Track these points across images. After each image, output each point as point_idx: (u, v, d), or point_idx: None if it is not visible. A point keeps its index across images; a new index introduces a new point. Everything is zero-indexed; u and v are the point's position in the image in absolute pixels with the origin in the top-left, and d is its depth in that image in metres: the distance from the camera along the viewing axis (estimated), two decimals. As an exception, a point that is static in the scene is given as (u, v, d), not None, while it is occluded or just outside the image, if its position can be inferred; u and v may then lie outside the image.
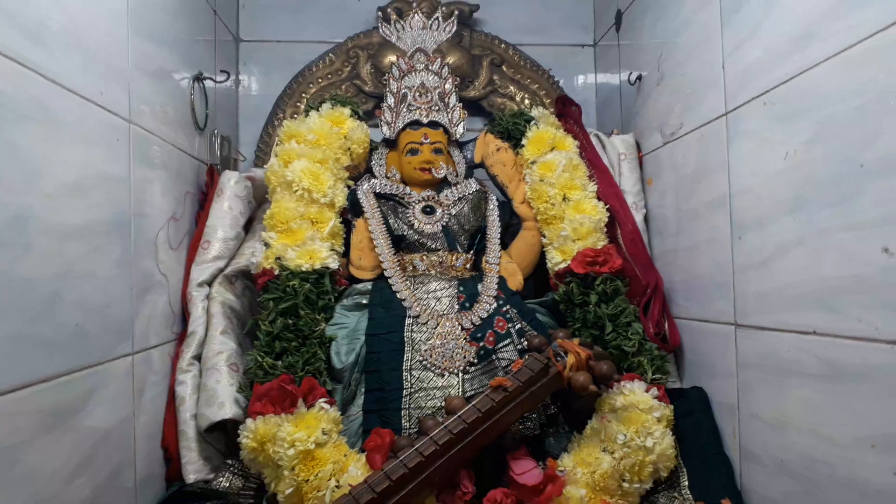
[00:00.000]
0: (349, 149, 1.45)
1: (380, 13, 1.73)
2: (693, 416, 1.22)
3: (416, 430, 1.17)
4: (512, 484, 1.11)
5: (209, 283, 1.34)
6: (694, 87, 1.29)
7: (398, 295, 1.32)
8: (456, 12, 1.60)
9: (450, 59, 1.73)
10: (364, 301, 1.33)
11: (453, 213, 1.43)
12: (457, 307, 1.31)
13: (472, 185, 1.49)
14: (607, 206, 1.42)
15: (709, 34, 1.21)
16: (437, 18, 1.53)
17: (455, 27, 1.54)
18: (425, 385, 1.22)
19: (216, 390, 1.20)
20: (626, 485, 1.13)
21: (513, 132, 1.52)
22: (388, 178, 1.48)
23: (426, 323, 1.28)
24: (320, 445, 1.10)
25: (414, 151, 1.46)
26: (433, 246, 1.38)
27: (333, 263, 1.31)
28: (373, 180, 1.47)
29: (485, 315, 1.30)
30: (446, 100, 1.50)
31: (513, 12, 1.86)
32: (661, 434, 1.16)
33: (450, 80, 1.52)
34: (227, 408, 1.18)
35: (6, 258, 0.77)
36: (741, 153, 1.12)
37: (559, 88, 1.82)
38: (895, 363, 0.78)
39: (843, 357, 0.87)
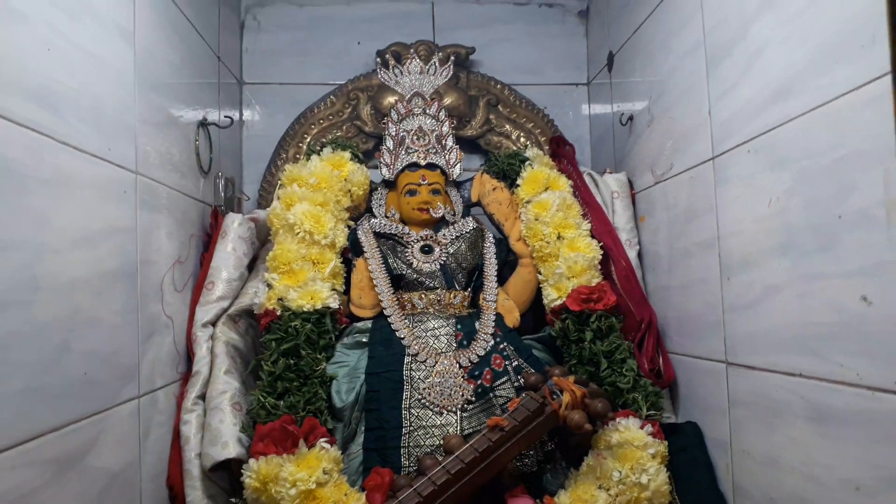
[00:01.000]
0: (349, 190, 1.49)
1: (378, 59, 1.78)
2: (688, 452, 1.24)
3: (414, 468, 1.20)
4: (509, 522, 1.13)
5: (213, 324, 1.37)
6: (683, 130, 1.33)
7: (397, 333, 1.35)
8: (452, 56, 1.65)
9: (447, 101, 1.77)
10: (364, 339, 1.36)
11: (451, 251, 1.46)
12: (455, 345, 1.34)
13: (470, 224, 1.53)
14: (601, 244, 1.46)
15: (695, 81, 1.25)
16: (434, 63, 1.58)
17: (451, 71, 1.59)
18: (424, 423, 1.25)
19: (220, 430, 1.23)
20: (622, 528, 1.15)
21: (508, 172, 1.56)
22: (387, 217, 1.52)
23: (425, 361, 1.31)
24: (321, 485, 1.12)
25: (412, 192, 1.50)
26: (431, 284, 1.41)
27: (334, 303, 1.34)
28: (372, 220, 1.51)
29: (482, 353, 1.33)
30: (443, 142, 1.55)
31: (508, 54, 1.92)
32: (655, 470, 1.18)
33: (447, 123, 1.56)
34: (230, 447, 1.20)
35: (17, 314, 0.80)
36: (728, 197, 1.16)
37: (554, 126, 1.87)
38: (877, 409, 0.81)
39: (829, 400, 0.89)
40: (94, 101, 1.00)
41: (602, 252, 1.45)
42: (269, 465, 1.12)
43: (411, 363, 1.31)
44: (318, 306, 1.31)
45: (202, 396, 1.30)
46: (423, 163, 1.51)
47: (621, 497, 1.15)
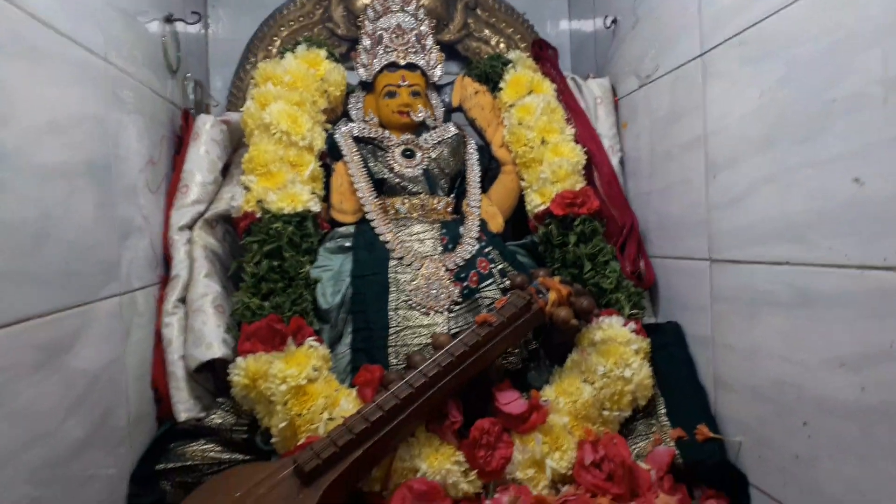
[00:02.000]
0: (326, 91, 1.44)
1: (353, -47, 1.69)
2: (668, 349, 1.28)
3: (403, 366, 1.20)
4: (498, 414, 1.15)
5: (190, 228, 1.33)
6: (669, 30, 1.31)
7: (381, 237, 1.33)
8: (431, -47, 1.57)
9: (424, 1, 1.71)
10: (347, 244, 1.34)
11: (433, 156, 1.44)
12: (440, 249, 1.33)
13: (451, 129, 1.50)
14: (585, 150, 1.45)
15: (686, -25, 1.23)
16: (413, -42, 1.51)
17: (430, -33, 1.52)
18: (411, 323, 1.25)
19: (203, 331, 1.21)
20: (606, 413, 1.19)
21: (490, 75, 1.52)
22: (366, 122, 1.48)
23: (410, 265, 1.30)
24: (311, 381, 1.12)
25: (392, 94, 1.45)
26: (414, 189, 1.39)
27: (315, 207, 1.31)
28: (350, 124, 1.46)
29: (468, 256, 1.32)
30: (423, 42, 1.50)
31: (487, -46, 1.84)
32: (638, 365, 1.21)
33: (426, 23, 1.51)
34: (214, 348, 1.19)
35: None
36: (716, 94, 1.15)
37: (534, 32, 1.82)
38: (864, 288, 0.83)
39: (815, 284, 0.92)
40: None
41: (586, 157, 1.44)
42: (257, 362, 1.11)
43: (396, 266, 1.29)
44: (299, 209, 1.28)
45: (183, 300, 1.28)
46: (402, 62, 1.46)
47: (605, 390, 1.18)
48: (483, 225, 1.40)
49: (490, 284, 1.30)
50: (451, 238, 1.34)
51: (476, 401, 1.20)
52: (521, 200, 1.48)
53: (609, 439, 1.13)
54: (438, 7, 1.75)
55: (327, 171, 1.42)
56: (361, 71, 1.49)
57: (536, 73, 1.52)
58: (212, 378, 1.25)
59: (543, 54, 1.61)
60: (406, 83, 1.45)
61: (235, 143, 1.49)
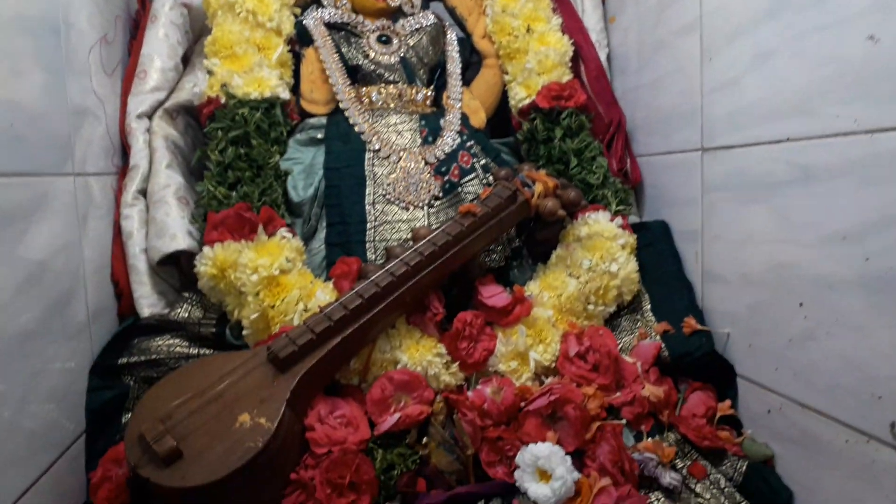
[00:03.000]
0: (295, -27, 1.33)
1: None
2: (655, 246, 1.24)
3: (382, 260, 1.14)
4: (481, 307, 1.11)
5: (149, 117, 1.23)
6: None
7: (356, 128, 1.25)
8: None
9: None
10: (319, 136, 1.26)
11: (411, 44, 1.35)
12: (419, 141, 1.25)
13: (430, 17, 1.40)
14: (572, 41, 1.37)
15: None
16: None
17: None
18: (389, 218, 1.18)
19: (166, 223, 1.13)
20: (590, 307, 1.15)
21: (472, -39, 1.43)
22: (337, 7, 1.37)
23: (388, 157, 1.22)
24: (285, 272, 1.05)
25: (367, -22, 1.35)
26: (391, 78, 1.30)
27: (284, 94, 1.22)
28: (321, 9, 1.36)
29: (448, 150, 1.25)
30: (400, -79, 1.39)
31: None
32: (625, 259, 1.17)
33: None
34: (179, 239, 1.11)
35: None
36: (716, -31, 1.08)
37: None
38: (872, 153, 0.79)
39: (818, 158, 0.87)
40: None
41: (573, 49, 1.36)
42: (226, 251, 1.04)
43: (373, 159, 1.22)
44: (267, 94, 1.19)
45: (143, 192, 1.19)
46: (377, -59, 1.36)
47: (591, 284, 1.14)
48: (465, 119, 1.33)
49: (472, 179, 1.24)
50: (430, 130, 1.27)
51: (458, 297, 1.16)
52: (502, 98, 1.41)
53: (594, 331, 1.09)
54: None
55: (297, 59, 1.32)
56: (333, -47, 1.38)
57: (521, -43, 1.42)
58: (176, 274, 1.18)
59: (528, -58, 1.50)
60: (381, -35, 1.35)
61: (197, 33, 1.38)
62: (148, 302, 1.12)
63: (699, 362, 1.08)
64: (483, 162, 1.27)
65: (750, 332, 1.02)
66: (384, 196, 1.19)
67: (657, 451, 0.97)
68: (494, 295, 1.11)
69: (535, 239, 1.24)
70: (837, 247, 0.84)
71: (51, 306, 0.93)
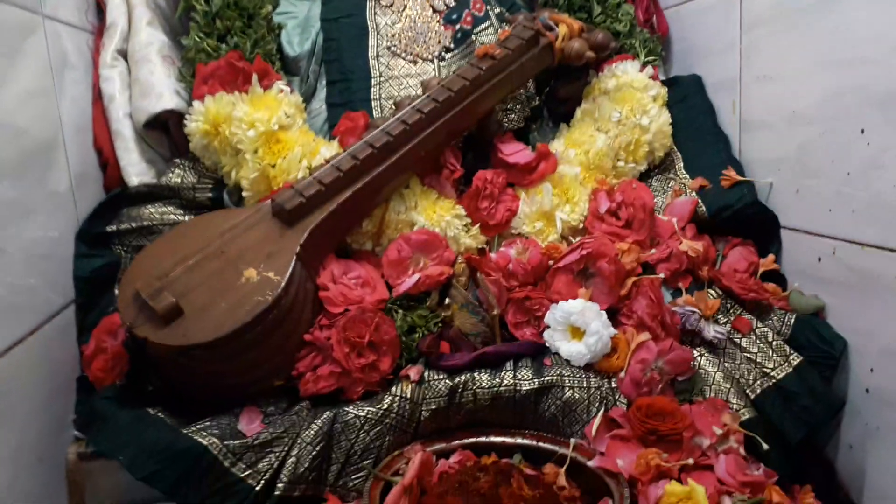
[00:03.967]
0: None
1: None
2: (687, 101, 1.13)
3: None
4: (501, 166, 1.01)
5: (124, -31, 1.10)
6: None
7: (355, -25, 1.12)
8: None
9: None
10: (314, -13, 1.13)
11: None
12: (426, -13, 1.13)
13: None
14: None
15: None
16: None
17: None
18: (396, 73, 1.07)
19: (150, 81, 1.02)
20: (620, 164, 1.06)
21: None
22: None
23: (391, 5, 1.10)
24: (284, 128, 0.95)
25: None
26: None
27: (274, -62, 1.09)
28: None
29: (459, -4, 1.13)
30: None
31: None
32: (657, 112, 1.07)
33: None
34: (166, 98, 1.00)
35: None
36: None
37: None
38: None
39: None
40: None
41: None
42: (218, 103, 0.94)
43: (375, 7, 1.10)
44: (254, -65, 1.06)
45: (123, 53, 1.07)
46: None
47: (621, 138, 1.05)
48: (475, -34, 1.20)
49: (486, 28, 1.12)
50: (438, -24, 1.14)
51: (475, 161, 1.06)
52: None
53: (627, 185, 1.00)
54: None
55: None
56: None
57: None
58: (166, 141, 1.07)
59: None
60: None
61: None
62: (136, 170, 1.02)
63: (740, 215, 0.99)
64: (497, 11, 1.14)
65: (799, 176, 0.93)
66: (389, 48, 1.07)
67: (699, 305, 0.90)
68: (516, 152, 1.02)
69: (558, 96, 1.13)
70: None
71: (33, 181, 0.84)
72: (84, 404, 0.84)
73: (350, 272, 0.89)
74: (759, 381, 0.85)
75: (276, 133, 0.94)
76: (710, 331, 0.88)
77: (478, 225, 0.98)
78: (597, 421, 0.80)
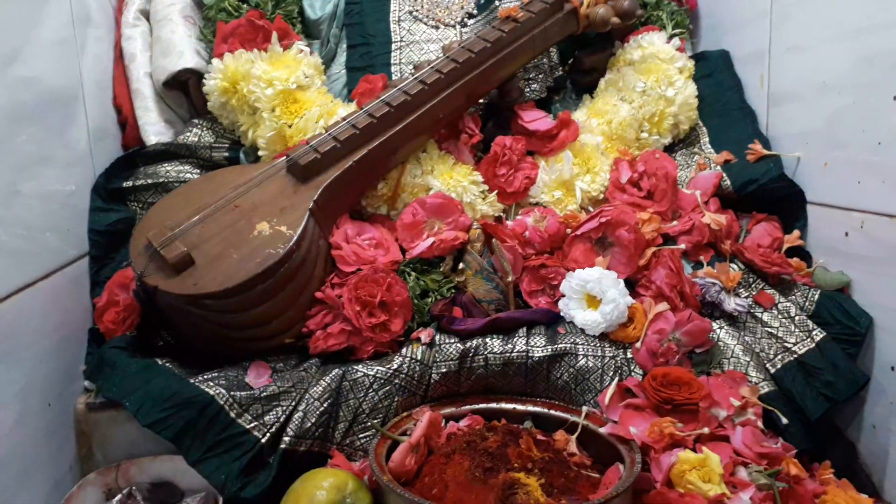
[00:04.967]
0: None
1: None
2: (714, 76, 1.11)
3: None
4: (521, 133, 1.00)
5: (147, -71, 1.10)
6: None
7: (379, -61, 1.11)
8: None
9: None
10: (337, -51, 1.12)
11: None
12: (450, -46, 1.12)
13: None
14: None
15: None
16: None
17: None
18: (417, 38, 1.06)
19: (172, 40, 1.02)
20: (644, 136, 1.03)
21: None
22: None
23: (415, -30, 1.09)
24: (303, 88, 0.95)
25: None
26: None
27: None
28: None
29: (484, -33, 1.11)
30: None
31: None
32: (682, 84, 1.05)
33: None
34: (186, 57, 1.00)
35: None
36: None
37: None
38: None
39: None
40: None
41: None
42: (237, 61, 0.94)
43: (399, -28, 1.09)
44: None
45: (145, 13, 1.07)
46: None
47: (645, 108, 1.02)
48: (500, -64, 1.18)
49: (510, -2, 1.10)
50: (463, -58, 1.13)
51: (495, 128, 1.04)
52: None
53: (650, 155, 0.98)
54: None
55: None
56: None
57: None
58: (185, 102, 1.07)
59: None
60: None
61: None
62: (154, 129, 1.02)
63: (765, 189, 0.96)
64: (522, -16, 1.12)
65: (827, 148, 0.90)
66: (411, 13, 1.06)
67: (720, 277, 0.87)
68: (537, 119, 1.00)
69: (582, 66, 1.11)
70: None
71: (51, 134, 0.85)
72: (94, 355, 0.84)
73: (364, 233, 0.88)
74: (779, 356, 0.82)
75: (293, 92, 0.94)
76: (731, 303, 0.85)
77: (495, 192, 0.96)
78: (611, 389, 0.78)
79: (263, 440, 0.72)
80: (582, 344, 0.81)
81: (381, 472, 0.67)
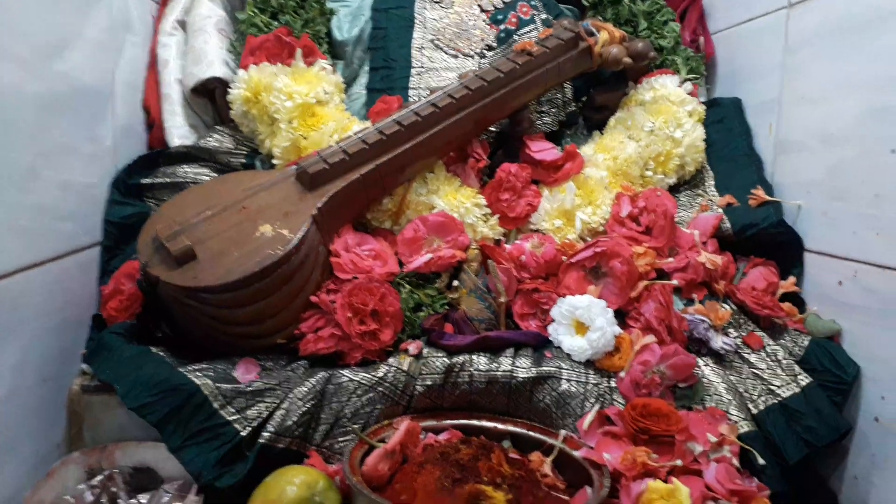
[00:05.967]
0: None
1: None
2: (725, 122, 1.13)
3: (425, 101, 1.06)
4: (528, 161, 1.02)
5: (193, -53, 1.17)
6: None
7: (409, -29, 1.16)
8: None
9: None
10: (369, -22, 1.18)
11: None
12: (476, -12, 1.16)
13: None
14: None
15: None
16: None
17: None
18: (437, 65, 1.10)
19: (204, 50, 1.07)
20: (648, 174, 1.05)
21: None
22: None
23: (441, 1, 1.13)
24: (321, 103, 0.99)
25: None
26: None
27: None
28: None
29: None
30: None
31: None
32: (691, 127, 1.07)
33: None
34: (216, 66, 1.05)
35: None
36: None
37: None
38: None
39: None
40: None
41: None
42: (261, 73, 0.98)
43: (425, 2, 1.13)
44: (317, -75, 1.12)
45: (182, 24, 1.13)
46: None
47: (651, 148, 1.05)
48: (526, -27, 1.22)
49: (531, 31, 1.14)
50: (489, -22, 1.17)
51: (504, 157, 1.07)
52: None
53: (651, 192, 1.00)
54: None
55: None
56: None
57: None
58: (210, 109, 1.12)
59: None
60: None
61: None
62: (179, 133, 1.06)
63: (764, 234, 0.97)
64: (544, 17, 1.16)
65: (828, 198, 0.91)
66: (433, 41, 1.10)
67: (709, 314, 0.88)
68: (544, 150, 1.02)
69: (595, 103, 1.14)
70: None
71: (80, 127, 0.90)
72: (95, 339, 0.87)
73: (364, 244, 0.91)
74: (763, 398, 0.82)
75: (312, 107, 0.98)
76: (718, 341, 0.86)
77: (497, 216, 0.99)
78: (591, 415, 0.79)
79: (244, 433, 0.74)
80: (567, 369, 0.82)
81: (353, 473, 0.68)
